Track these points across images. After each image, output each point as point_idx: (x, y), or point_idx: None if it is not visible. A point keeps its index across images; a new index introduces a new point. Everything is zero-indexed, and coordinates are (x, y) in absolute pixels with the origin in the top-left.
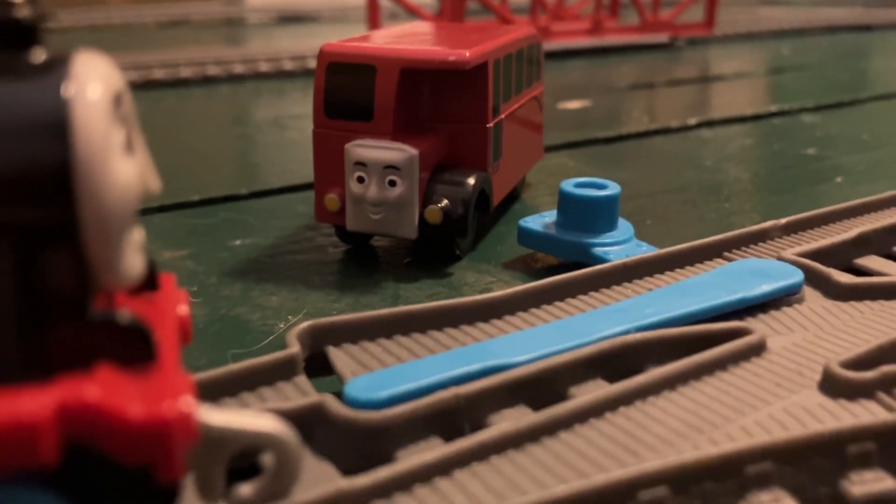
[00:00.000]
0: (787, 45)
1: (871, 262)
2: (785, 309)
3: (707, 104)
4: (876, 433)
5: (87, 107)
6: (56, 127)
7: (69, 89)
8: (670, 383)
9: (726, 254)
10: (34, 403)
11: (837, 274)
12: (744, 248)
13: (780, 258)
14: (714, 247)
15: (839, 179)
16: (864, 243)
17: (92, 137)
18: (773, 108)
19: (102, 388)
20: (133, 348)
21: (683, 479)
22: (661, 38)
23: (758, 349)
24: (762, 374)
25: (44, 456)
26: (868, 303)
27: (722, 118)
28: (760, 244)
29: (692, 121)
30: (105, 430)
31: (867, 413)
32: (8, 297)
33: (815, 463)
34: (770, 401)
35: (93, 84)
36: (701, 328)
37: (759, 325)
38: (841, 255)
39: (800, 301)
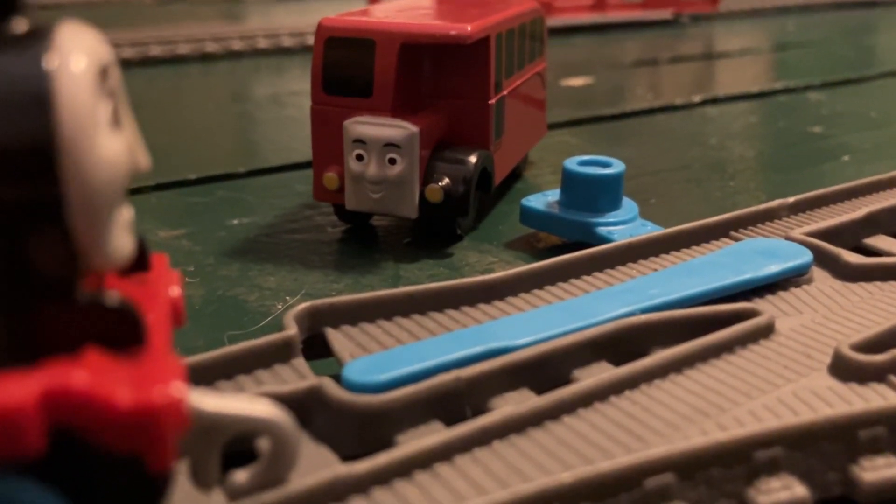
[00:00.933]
0: (793, 22)
1: (881, 241)
2: (793, 290)
3: (712, 81)
4: (887, 417)
5: (70, 79)
6: (38, 100)
7: (52, 61)
8: (676, 366)
9: (733, 233)
10: (18, 389)
11: (847, 254)
12: (751, 228)
13: (788, 238)
14: (721, 226)
15: (846, 158)
16: (874, 222)
17: (76, 111)
18: (779, 85)
19: (90, 373)
20: (122, 331)
21: (690, 465)
22: (665, 14)
23: (766, 331)
24: (771, 356)
25: (29, 444)
26: (878, 283)
27: (727, 95)
28: (768, 223)
29: (697, 98)
30: (92, 416)
31: (878, 397)
32: None
33: (825, 448)
34: (779, 384)
35: (76, 56)
36: (707, 309)
37: (767, 307)
38: (850, 235)
39: (808, 282)
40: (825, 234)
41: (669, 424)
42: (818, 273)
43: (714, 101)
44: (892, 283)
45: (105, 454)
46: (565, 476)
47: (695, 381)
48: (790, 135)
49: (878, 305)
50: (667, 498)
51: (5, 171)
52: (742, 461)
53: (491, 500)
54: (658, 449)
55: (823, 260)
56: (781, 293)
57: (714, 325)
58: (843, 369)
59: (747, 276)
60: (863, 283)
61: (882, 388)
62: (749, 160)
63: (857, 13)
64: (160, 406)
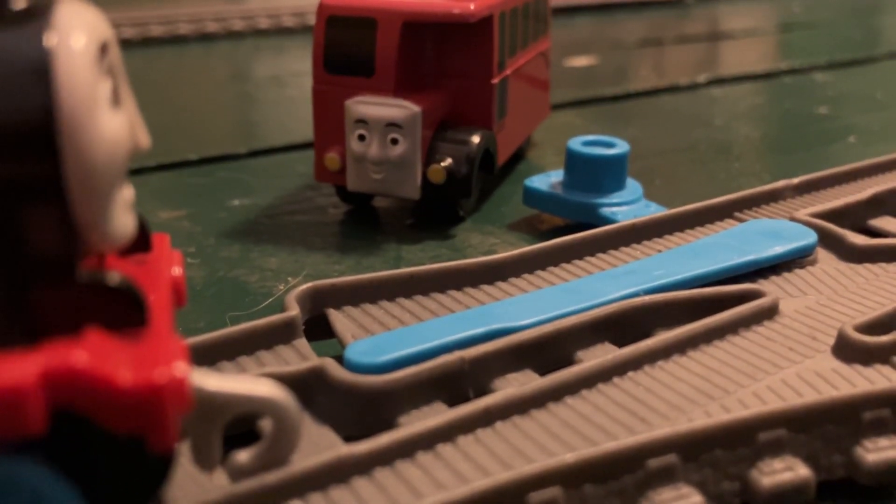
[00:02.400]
0: (798, 2)
1: (886, 223)
2: (798, 271)
3: (717, 62)
4: (891, 399)
5: (70, 57)
6: (38, 77)
7: (51, 38)
8: (680, 347)
9: (738, 214)
10: (19, 369)
11: (852, 235)
12: (756, 209)
13: (793, 219)
14: (725, 207)
15: (852, 139)
16: (879, 204)
17: (76, 89)
18: (784, 65)
19: (91, 354)
20: (123, 312)
21: (693, 446)
22: None
23: (770, 312)
24: (775, 338)
25: (30, 424)
26: (883, 265)
27: (732, 76)
28: (773, 204)
29: (701, 78)
30: (94, 396)
31: (882, 378)
32: None
33: (829, 430)
34: (783, 365)
35: (76, 33)
36: (712, 291)
37: (771, 288)
38: (855, 216)
39: (813, 263)
40: (830, 216)
41: (672, 406)
42: (823, 254)
43: (719, 81)
44: None
45: (107, 434)
46: (568, 457)
47: (698, 362)
48: (796, 116)
49: (882, 287)
50: (670, 479)
51: (3, 149)
52: (746, 442)
53: (493, 481)
54: (661, 430)
55: (828, 241)
56: (786, 274)
57: (718, 307)
58: (847, 351)
59: (751, 257)
60: (867, 265)
61: (886, 369)
62: (754, 141)
63: None
64: (162, 386)
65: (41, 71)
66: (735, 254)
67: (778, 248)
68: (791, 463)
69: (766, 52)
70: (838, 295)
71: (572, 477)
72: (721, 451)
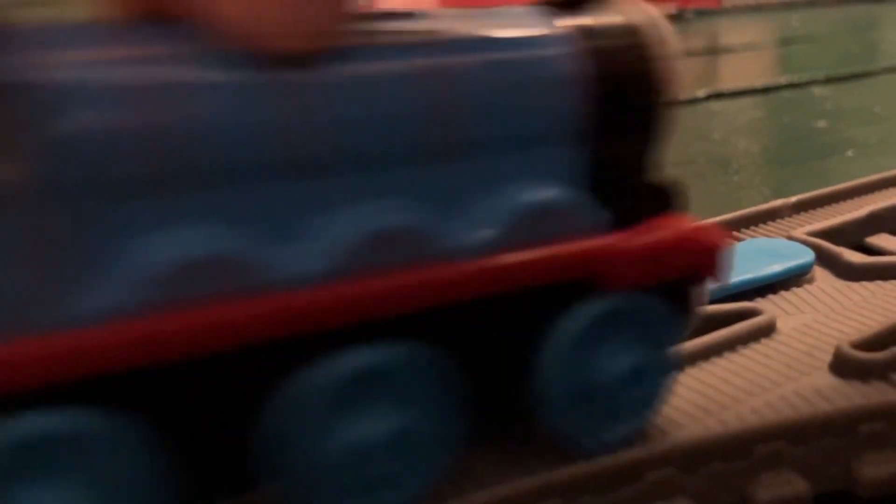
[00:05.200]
0: (797, 17)
1: (883, 240)
2: (795, 289)
3: (716, 76)
4: (888, 414)
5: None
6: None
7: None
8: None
9: (736, 233)
10: (665, 233)
11: (848, 253)
12: (753, 228)
13: (790, 237)
14: (723, 226)
15: (850, 153)
16: (876, 221)
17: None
18: (783, 80)
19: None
20: (669, 203)
21: (692, 460)
22: (670, 8)
23: (767, 330)
24: (772, 355)
25: (711, 271)
26: (879, 283)
27: (731, 90)
28: (770, 223)
29: (701, 93)
30: (694, 250)
31: (879, 395)
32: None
33: (827, 443)
34: (781, 382)
35: (651, 11)
36: (710, 309)
37: (769, 306)
38: (852, 234)
39: (810, 281)
40: (827, 234)
41: (671, 421)
42: (820, 272)
43: (718, 95)
44: (894, 282)
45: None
46: (568, 470)
47: (697, 379)
48: (794, 130)
49: (879, 304)
50: (669, 492)
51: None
52: (744, 456)
53: (491, 493)
54: (660, 443)
55: (825, 259)
56: (783, 293)
57: (716, 325)
58: (844, 367)
59: (749, 275)
60: (864, 283)
61: (883, 385)
62: (753, 155)
63: (861, 8)
64: (720, 238)
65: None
66: (733, 272)
67: (776, 267)
68: (789, 477)
69: (765, 67)
70: (835, 313)
71: (572, 489)
72: (719, 464)
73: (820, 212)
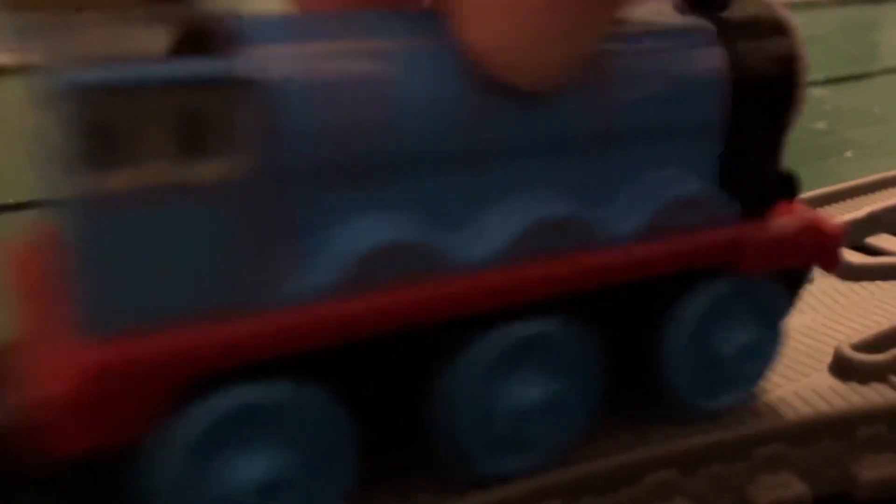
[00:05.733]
0: (796, 17)
1: (883, 241)
2: None
3: None
4: (887, 416)
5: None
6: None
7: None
8: None
9: None
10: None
11: (849, 254)
12: None
13: None
14: None
15: (849, 154)
16: (876, 222)
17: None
18: None
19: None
20: (791, 191)
21: (692, 461)
22: None
23: None
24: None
25: (829, 260)
26: (880, 283)
27: None
28: None
29: None
30: (816, 239)
31: (879, 396)
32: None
33: (825, 445)
34: (781, 383)
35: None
36: None
37: None
38: (852, 234)
39: (810, 282)
40: None
41: (671, 423)
42: (820, 273)
43: None
44: (894, 282)
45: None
46: (566, 472)
47: None
48: (793, 130)
49: (879, 305)
50: (668, 493)
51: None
52: (743, 458)
53: (491, 493)
54: (660, 445)
55: None
56: None
57: None
58: (843, 369)
59: None
60: (865, 283)
61: (882, 387)
62: None
63: (860, 9)
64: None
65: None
66: None
67: None
68: (788, 478)
69: None
70: (835, 313)
71: (571, 490)
72: (719, 466)
73: (819, 212)
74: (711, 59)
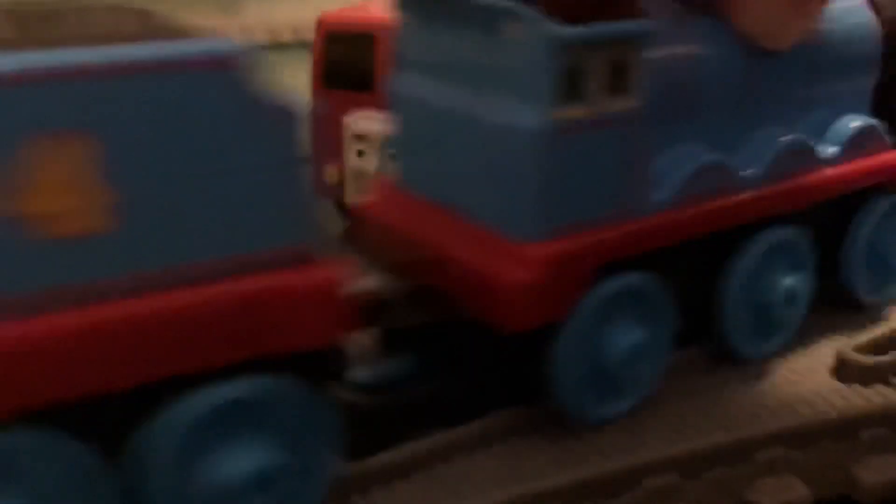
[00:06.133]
0: None
1: None
2: None
3: None
4: (889, 418)
5: None
6: None
7: None
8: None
9: None
10: None
11: None
12: None
13: None
14: None
15: None
16: None
17: None
18: None
19: None
20: None
21: (694, 465)
22: None
23: None
24: (772, 358)
25: None
26: None
27: None
28: None
29: None
30: None
31: (881, 398)
32: None
33: (827, 448)
34: (782, 385)
35: None
36: None
37: None
38: None
39: None
40: None
41: (672, 426)
42: None
43: None
44: None
45: None
46: (566, 477)
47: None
48: None
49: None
50: (670, 497)
51: None
52: (745, 461)
53: (489, 498)
54: (661, 449)
55: None
56: None
57: None
58: (845, 371)
59: None
60: None
61: (885, 389)
62: None
63: None
64: None
65: None
66: None
67: None
68: (790, 482)
69: None
70: (836, 315)
71: (571, 494)
72: (720, 470)
73: None
74: (866, 12)
